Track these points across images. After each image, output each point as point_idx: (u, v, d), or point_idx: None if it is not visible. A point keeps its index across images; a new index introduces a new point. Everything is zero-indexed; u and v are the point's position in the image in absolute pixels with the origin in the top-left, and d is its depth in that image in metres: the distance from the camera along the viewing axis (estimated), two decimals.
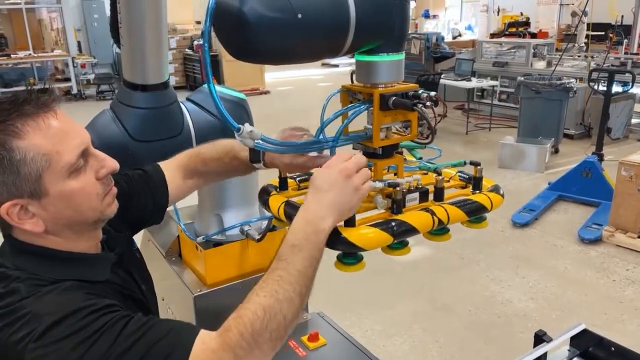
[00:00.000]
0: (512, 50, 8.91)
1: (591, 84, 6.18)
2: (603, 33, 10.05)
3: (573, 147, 7.25)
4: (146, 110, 1.55)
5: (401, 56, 1.11)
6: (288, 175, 1.28)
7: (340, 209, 0.98)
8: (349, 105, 1.14)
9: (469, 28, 17.04)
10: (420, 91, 1.09)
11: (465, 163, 1.29)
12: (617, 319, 3.51)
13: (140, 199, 1.26)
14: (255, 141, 1.05)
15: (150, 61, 1.52)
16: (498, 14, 15.36)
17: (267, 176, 1.38)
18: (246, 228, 1.64)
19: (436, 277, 4.11)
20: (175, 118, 1.61)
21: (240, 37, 0.93)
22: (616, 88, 5.86)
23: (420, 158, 1.32)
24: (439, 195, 1.14)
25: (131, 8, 1.41)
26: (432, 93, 1.07)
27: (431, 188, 1.16)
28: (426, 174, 1.27)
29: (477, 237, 4.40)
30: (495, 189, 1.20)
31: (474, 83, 8.29)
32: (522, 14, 13.68)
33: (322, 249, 0.97)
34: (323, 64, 16.24)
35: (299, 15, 0.93)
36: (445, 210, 1.09)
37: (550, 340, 1.49)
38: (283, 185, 1.28)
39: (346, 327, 1.69)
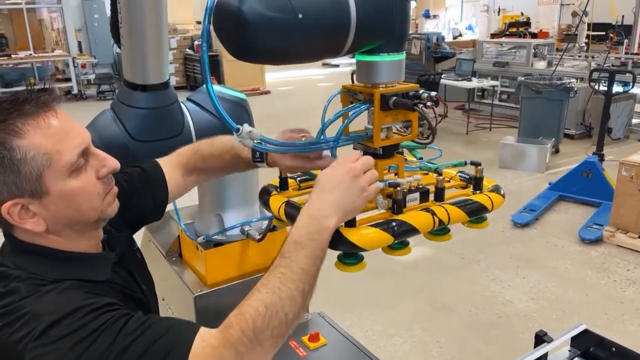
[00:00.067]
0: (513, 50, 8.91)
1: (592, 84, 6.18)
2: (604, 33, 10.06)
3: (573, 147, 7.25)
4: (146, 110, 1.55)
5: (402, 56, 1.10)
6: (288, 175, 1.28)
7: (344, 209, 0.98)
8: (350, 106, 1.14)
9: (470, 28, 17.04)
10: (421, 91, 1.09)
11: (465, 163, 1.29)
12: (618, 319, 3.51)
13: (141, 198, 1.25)
14: (255, 141, 1.05)
15: (150, 61, 1.52)
16: (498, 14, 15.36)
17: (268, 176, 1.38)
18: (247, 228, 1.64)
19: (436, 277, 4.11)
20: (175, 118, 1.61)
21: (241, 37, 0.93)
22: (617, 88, 5.86)
23: (421, 158, 1.32)
24: (439, 196, 1.14)
25: (131, 8, 1.41)
26: (433, 93, 1.07)
27: (432, 188, 1.15)
28: (427, 174, 1.26)
29: (477, 237, 4.40)
30: (496, 189, 1.20)
31: (475, 83, 8.29)
32: (522, 14, 13.67)
33: (326, 247, 0.96)
34: (323, 64, 16.24)
35: (300, 15, 0.92)
36: (446, 211, 1.09)
37: (551, 340, 1.49)
38: (283, 185, 1.27)
39: (347, 327, 1.68)
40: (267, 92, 12.44)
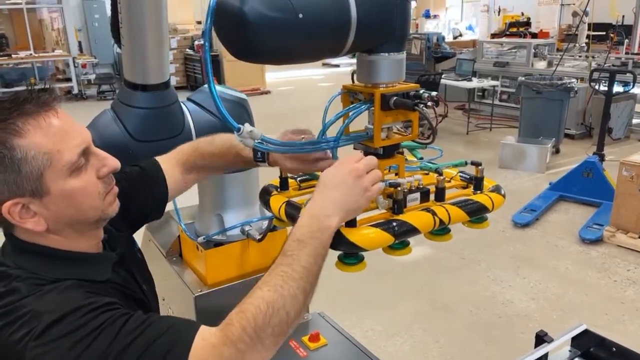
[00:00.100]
0: (513, 50, 8.91)
1: (592, 84, 6.18)
2: (604, 33, 10.05)
3: (574, 147, 7.24)
4: (147, 110, 1.55)
5: (402, 56, 1.10)
6: (289, 175, 1.28)
7: (347, 208, 0.98)
8: (350, 106, 1.14)
9: (470, 28, 17.04)
10: (421, 91, 1.09)
11: (466, 163, 1.29)
12: (618, 320, 3.51)
13: (140, 198, 1.25)
14: (256, 141, 1.05)
15: (151, 61, 1.52)
16: (499, 14, 15.36)
17: (268, 176, 1.38)
18: (247, 228, 1.64)
19: (437, 277, 4.11)
20: (176, 118, 1.61)
21: (241, 37, 0.93)
22: (617, 88, 5.86)
23: (421, 158, 1.32)
24: (440, 196, 1.14)
25: (132, 8, 1.41)
26: (434, 93, 1.07)
27: (432, 188, 1.15)
28: (427, 174, 1.26)
29: (477, 237, 4.40)
30: (497, 189, 1.20)
31: (475, 83, 8.29)
32: (523, 14, 13.68)
33: (327, 246, 0.96)
34: (324, 64, 16.24)
35: (300, 15, 0.92)
36: (447, 211, 1.09)
37: (551, 340, 1.49)
38: (284, 185, 1.28)
39: (347, 328, 1.68)
40: (267, 92, 12.45)
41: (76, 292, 0.90)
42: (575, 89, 6.85)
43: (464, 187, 1.25)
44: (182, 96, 1.66)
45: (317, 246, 0.94)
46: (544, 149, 6.37)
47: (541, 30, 13.08)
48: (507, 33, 12.05)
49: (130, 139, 1.53)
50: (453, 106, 9.35)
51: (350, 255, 1.05)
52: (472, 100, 8.69)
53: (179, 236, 1.80)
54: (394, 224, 1.03)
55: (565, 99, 6.83)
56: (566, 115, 7.01)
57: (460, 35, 15.98)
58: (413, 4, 1.11)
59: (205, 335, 0.86)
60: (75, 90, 12.18)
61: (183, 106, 1.66)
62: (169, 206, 1.65)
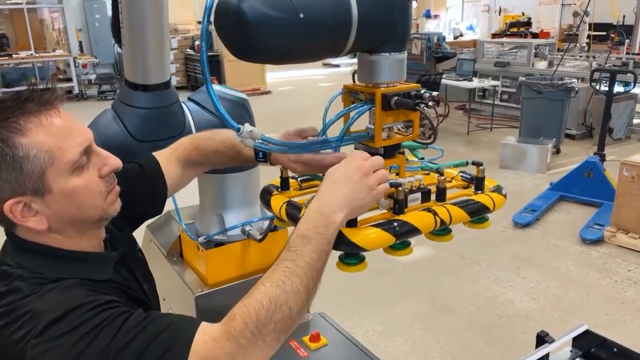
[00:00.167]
0: (514, 50, 8.91)
1: (593, 84, 6.18)
2: (605, 33, 10.04)
3: (575, 148, 7.24)
4: (147, 110, 1.55)
5: (403, 56, 1.10)
6: (290, 175, 1.28)
7: (352, 205, 0.97)
8: (351, 106, 1.14)
9: (471, 28, 17.03)
10: (422, 91, 1.08)
11: (467, 163, 1.29)
12: (619, 320, 3.50)
13: (141, 196, 1.25)
14: (256, 141, 1.04)
15: (151, 61, 1.51)
16: (499, 14, 15.35)
17: (269, 176, 1.38)
18: (247, 228, 1.64)
19: (437, 278, 4.11)
20: (176, 118, 1.61)
21: (242, 37, 0.93)
22: (618, 88, 5.86)
23: (422, 158, 1.32)
24: (441, 196, 1.14)
25: (132, 8, 1.41)
26: (435, 93, 1.07)
27: (433, 188, 1.15)
28: (428, 174, 1.26)
29: (478, 237, 4.39)
30: (498, 189, 1.20)
31: (476, 83, 8.29)
32: (523, 14, 13.66)
33: (332, 242, 0.96)
34: (324, 64, 16.24)
35: (301, 15, 0.92)
36: (448, 211, 1.09)
37: (552, 341, 1.49)
38: (285, 185, 1.27)
39: (347, 328, 1.68)
40: (267, 92, 12.45)
41: (77, 291, 0.90)
42: (576, 89, 6.84)
43: (465, 187, 1.25)
44: (182, 96, 1.66)
45: (322, 242, 0.94)
46: (545, 149, 6.37)
47: (542, 30, 13.07)
48: (508, 33, 12.04)
49: (131, 138, 1.53)
50: (454, 106, 9.35)
51: (351, 255, 1.05)
52: (472, 101, 8.69)
53: (179, 236, 1.80)
54: (395, 224, 1.03)
55: (566, 99, 6.83)
56: (567, 116, 7.01)
57: (461, 35, 15.98)
58: (414, 4, 1.10)
59: (206, 330, 0.86)
60: (76, 90, 12.19)
61: (184, 106, 1.66)
62: (170, 206, 1.65)
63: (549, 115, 6.81)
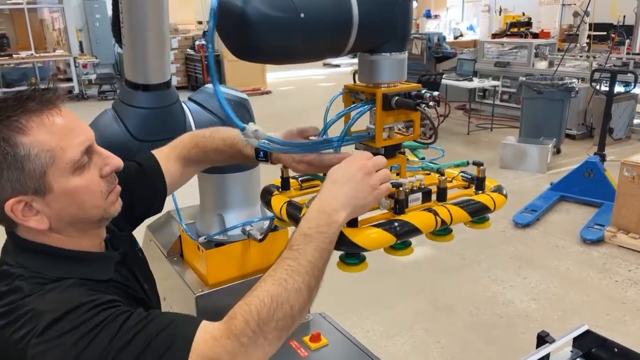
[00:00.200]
0: (514, 51, 8.91)
1: (593, 84, 6.18)
2: (605, 33, 10.05)
3: (575, 148, 7.24)
4: (148, 110, 1.55)
5: (404, 56, 1.10)
6: (290, 175, 1.28)
7: (354, 204, 0.97)
8: (352, 106, 1.14)
9: (471, 28, 17.03)
10: (423, 91, 1.08)
11: (468, 163, 1.29)
12: (620, 320, 3.50)
13: (141, 195, 1.24)
14: (260, 141, 1.04)
15: (152, 61, 1.51)
16: (500, 14, 15.35)
17: (270, 176, 1.38)
18: (248, 228, 1.64)
19: (438, 278, 4.11)
20: (177, 118, 1.61)
21: (243, 36, 0.93)
22: (618, 88, 5.86)
23: (423, 158, 1.32)
24: (441, 196, 1.14)
25: (133, 8, 1.41)
26: (436, 93, 1.07)
27: (434, 188, 1.15)
28: (429, 174, 1.26)
29: (478, 237, 4.39)
30: (498, 189, 1.20)
31: (476, 83, 8.29)
32: (524, 14, 13.66)
33: (334, 241, 0.96)
34: (324, 64, 16.23)
35: (302, 15, 0.92)
36: (448, 211, 1.09)
37: (553, 341, 1.49)
38: (285, 185, 1.27)
39: (348, 328, 1.68)
40: (268, 92, 12.45)
41: (78, 291, 0.90)
42: (576, 89, 6.84)
43: (466, 187, 1.25)
44: (183, 96, 1.66)
45: (324, 241, 0.93)
46: (545, 149, 6.37)
47: (542, 30, 13.07)
48: (508, 33, 12.04)
49: (132, 138, 1.53)
50: (454, 106, 9.35)
51: (352, 255, 1.05)
52: (473, 101, 8.69)
53: (180, 236, 1.80)
54: (396, 224, 1.03)
55: (566, 99, 6.83)
56: (567, 116, 7.01)
57: (461, 35, 15.98)
58: (414, 4, 1.10)
59: (207, 328, 0.86)
60: (76, 90, 12.19)
61: (184, 106, 1.66)
62: (170, 206, 1.65)
63: (549, 116, 6.81)
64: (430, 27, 15.86)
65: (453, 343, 3.30)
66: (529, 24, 13.04)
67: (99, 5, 13.27)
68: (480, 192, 1.19)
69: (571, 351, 1.54)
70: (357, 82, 1.15)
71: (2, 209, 0.91)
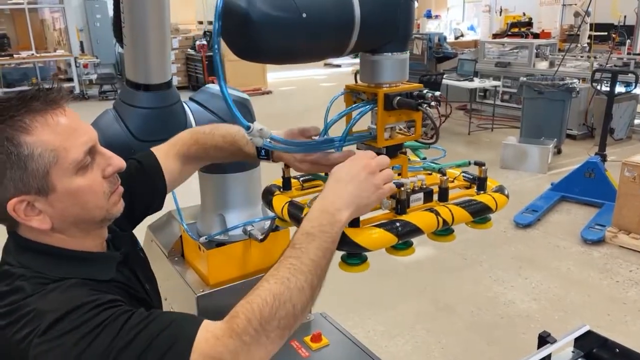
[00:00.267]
0: (515, 51, 8.91)
1: (594, 84, 6.17)
2: (606, 33, 10.03)
3: (576, 148, 7.24)
4: (149, 110, 1.55)
5: (406, 56, 1.10)
6: (292, 175, 1.28)
7: (358, 204, 0.97)
8: (353, 106, 1.14)
9: (471, 28, 17.02)
10: (424, 91, 1.08)
11: (469, 163, 1.29)
12: (621, 320, 3.50)
13: (142, 194, 1.24)
14: (265, 140, 1.04)
15: (153, 61, 1.51)
16: (500, 14, 15.34)
17: (270, 176, 1.38)
18: (249, 228, 1.63)
19: (439, 278, 4.11)
20: (178, 118, 1.61)
21: (245, 36, 0.93)
22: (619, 88, 5.86)
23: (424, 158, 1.32)
24: (443, 196, 1.14)
25: (134, 8, 1.41)
26: (437, 93, 1.07)
27: (435, 188, 1.15)
28: (430, 174, 1.26)
29: (479, 237, 4.39)
30: (500, 190, 1.20)
31: (477, 83, 8.29)
32: (524, 14, 13.66)
33: (337, 240, 0.96)
34: (325, 64, 16.23)
35: (304, 15, 0.92)
36: (450, 211, 1.09)
37: (554, 341, 1.49)
38: (287, 185, 1.27)
39: (349, 328, 1.68)
40: (268, 92, 12.45)
41: (79, 291, 0.90)
42: (577, 89, 6.84)
43: (467, 188, 1.25)
44: (183, 96, 1.66)
45: (326, 240, 0.93)
46: (546, 150, 6.36)
47: (543, 30, 13.06)
48: (509, 33, 12.03)
49: (133, 138, 1.53)
50: (455, 106, 9.34)
51: (354, 255, 1.05)
52: (473, 101, 8.69)
53: (181, 236, 1.80)
54: (397, 224, 1.03)
55: (567, 100, 6.83)
56: (568, 116, 7.01)
57: (462, 35, 15.97)
58: (415, 4, 1.10)
59: (209, 328, 0.86)
60: (77, 90, 12.20)
61: (185, 106, 1.66)
62: (171, 206, 1.65)
63: (550, 116, 6.80)
64: (431, 27, 15.85)
65: (454, 343, 3.30)
66: (529, 24, 13.03)
67: (100, 5, 13.27)
68: (482, 192, 1.18)
69: (572, 352, 1.54)
70: (359, 82, 1.15)
71: (5, 209, 0.91)
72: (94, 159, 0.97)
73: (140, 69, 1.53)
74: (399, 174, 1.18)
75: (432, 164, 1.28)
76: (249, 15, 0.89)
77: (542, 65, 8.62)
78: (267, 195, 1.26)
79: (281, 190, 1.27)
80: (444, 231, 1.13)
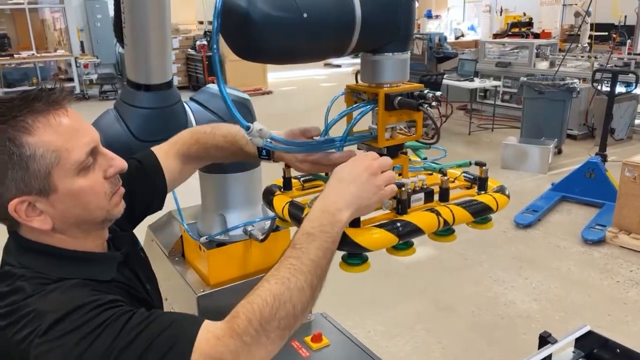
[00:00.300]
0: (515, 51, 8.91)
1: (594, 84, 6.17)
2: (606, 33, 10.03)
3: (576, 148, 7.24)
4: (150, 110, 1.55)
5: (406, 56, 1.10)
6: (292, 175, 1.28)
7: (359, 204, 0.97)
8: (354, 106, 1.14)
9: (472, 28, 17.02)
10: (425, 91, 1.08)
11: (470, 163, 1.29)
12: (621, 320, 3.50)
13: (142, 194, 1.24)
14: (265, 140, 1.04)
15: (153, 61, 1.51)
16: (501, 14, 15.34)
17: (271, 176, 1.38)
18: (249, 228, 1.63)
19: (439, 278, 4.11)
20: (178, 118, 1.61)
21: (245, 36, 0.93)
22: (619, 88, 5.86)
23: (425, 158, 1.32)
24: (444, 196, 1.14)
25: (135, 8, 1.41)
26: (438, 93, 1.07)
27: (436, 188, 1.15)
28: (431, 174, 1.26)
29: (480, 238, 4.39)
30: (501, 190, 1.20)
31: (477, 83, 8.29)
32: (525, 14, 13.66)
33: (337, 241, 0.96)
34: (325, 64, 16.23)
35: (305, 15, 0.92)
36: (451, 211, 1.09)
37: (555, 341, 1.49)
38: (287, 185, 1.27)
39: (349, 328, 1.68)
40: (269, 92, 12.45)
41: (80, 291, 0.90)
42: (578, 89, 6.84)
43: (468, 188, 1.24)
44: (184, 96, 1.66)
45: (327, 240, 0.93)
46: (546, 150, 6.36)
47: (543, 30, 13.06)
48: (509, 33, 12.03)
49: (133, 138, 1.53)
50: (455, 106, 9.34)
51: (354, 255, 1.05)
52: (474, 101, 8.69)
53: (181, 236, 1.80)
54: (398, 224, 1.03)
55: (568, 100, 6.83)
56: (568, 116, 7.00)
57: (462, 35, 15.97)
58: (415, 4, 1.10)
59: (209, 328, 0.86)
60: (77, 91, 12.20)
61: (186, 106, 1.66)
62: (172, 206, 1.65)
63: (550, 116, 6.80)
64: (431, 27, 15.86)
65: (455, 343, 3.30)
66: (530, 24, 13.04)
67: (100, 5, 13.27)
68: (483, 192, 1.18)
69: (573, 352, 1.54)
70: (359, 82, 1.15)
71: (6, 209, 0.91)
72: (95, 159, 0.97)
73: (141, 69, 1.53)
74: (400, 174, 1.18)
75: (433, 164, 1.28)
76: (249, 15, 0.89)
77: (543, 65, 8.62)
78: (268, 195, 1.26)
79: (282, 190, 1.27)
80: (445, 231, 1.13)
